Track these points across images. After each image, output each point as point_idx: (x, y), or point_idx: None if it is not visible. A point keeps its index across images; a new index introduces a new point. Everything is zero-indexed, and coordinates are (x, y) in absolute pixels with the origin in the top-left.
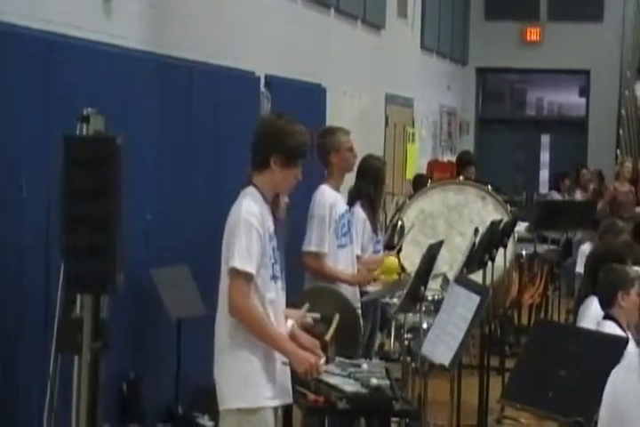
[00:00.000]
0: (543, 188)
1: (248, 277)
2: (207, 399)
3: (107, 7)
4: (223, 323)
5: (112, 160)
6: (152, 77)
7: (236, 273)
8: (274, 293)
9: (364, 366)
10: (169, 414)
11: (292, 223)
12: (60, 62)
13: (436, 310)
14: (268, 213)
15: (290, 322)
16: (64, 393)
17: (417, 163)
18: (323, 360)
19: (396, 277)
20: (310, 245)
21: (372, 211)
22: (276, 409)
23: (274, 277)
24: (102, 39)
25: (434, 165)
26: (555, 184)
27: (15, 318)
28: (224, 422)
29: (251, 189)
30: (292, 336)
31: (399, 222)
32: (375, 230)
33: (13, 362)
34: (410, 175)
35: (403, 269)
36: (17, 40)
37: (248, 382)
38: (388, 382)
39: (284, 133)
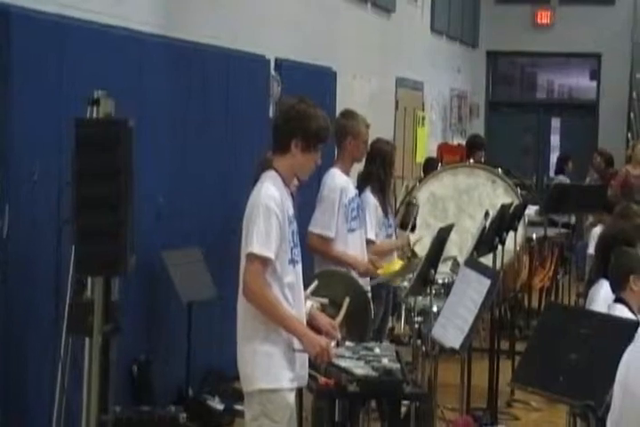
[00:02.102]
0: (553, 171)
1: (265, 262)
2: (218, 382)
3: None
4: (245, 307)
5: (123, 142)
6: (163, 61)
7: (253, 257)
8: (292, 277)
9: (377, 349)
10: (179, 397)
11: (300, 205)
12: (71, 45)
13: (447, 294)
14: (287, 196)
15: (309, 303)
16: (75, 375)
17: (427, 146)
18: (334, 343)
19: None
20: (316, 227)
21: (383, 194)
22: (295, 391)
23: (292, 262)
24: (114, 22)
25: (444, 148)
26: (559, 168)
27: (26, 301)
28: (248, 404)
29: (271, 173)
30: (311, 318)
31: (413, 200)
32: (386, 214)
33: (24, 344)
34: (420, 159)
35: (413, 253)
36: (29, 23)
37: (270, 364)
38: (398, 365)
39: (305, 117)
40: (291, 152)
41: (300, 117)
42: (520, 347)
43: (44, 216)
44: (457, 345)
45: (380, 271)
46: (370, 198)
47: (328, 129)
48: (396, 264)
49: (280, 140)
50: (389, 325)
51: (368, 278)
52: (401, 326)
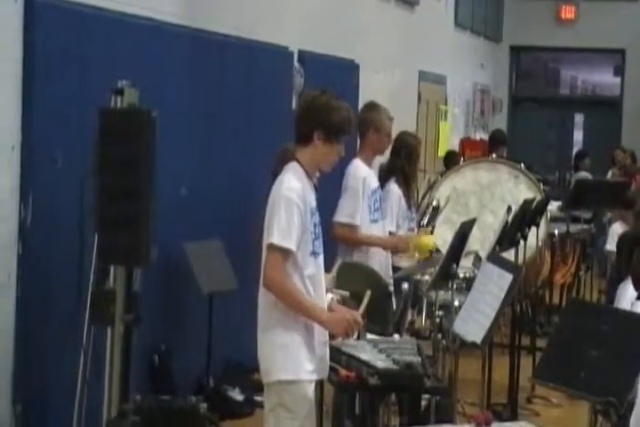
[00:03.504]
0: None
1: (286, 253)
2: (238, 373)
3: None
4: (265, 298)
5: (146, 132)
6: (186, 51)
7: (273, 248)
8: (313, 268)
9: (396, 336)
10: (200, 387)
11: (321, 197)
12: (95, 35)
13: (468, 288)
14: (309, 188)
15: (329, 296)
16: (96, 364)
17: (449, 140)
18: (355, 335)
19: (428, 254)
20: (342, 216)
21: (407, 187)
22: (314, 383)
23: (314, 253)
24: (137, 12)
25: (466, 142)
26: (575, 164)
27: (49, 290)
28: (267, 395)
29: (293, 165)
30: (330, 311)
31: (434, 202)
32: (409, 207)
33: (46, 333)
34: (442, 152)
35: (435, 247)
36: (53, 13)
37: (290, 355)
38: (419, 358)
39: (328, 109)
40: (313, 144)
41: (322, 109)
42: (541, 343)
43: (67, 205)
44: (478, 340)
45: (410, 245)
46: (394, 189)
47: (351, 121)
48: (425, 238)
49: (302, 131)
50: (409, 318)
51: (390, 272)
52: (422, 320)
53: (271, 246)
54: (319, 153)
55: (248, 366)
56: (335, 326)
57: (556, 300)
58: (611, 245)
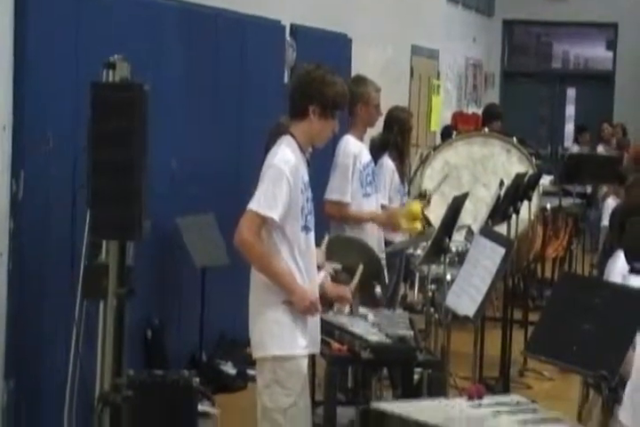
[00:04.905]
0: (568, 141)
1: (264, 220)
2: (231, 347)
3: None
4: (257, 275)
5: (138, 106)
6: (178, 25)
7: (251, 213)
8: (304, 244)
9: (390, 317)
10: (192, 361)
11: (313, 172)
12: (86, 9)
13: (460, 262)
14: (303, 162)
15: (322, 274)
16: (89, 339)
17: (441, 115)
18: (347, 309)
19: (418, 224)
20: (332, 194)
21: (400, 161)
22: (307, 358)
23: (305, 228)
24: None
25: (458, 117)
26: (575, 137)
27: (41, 264)
28: (260, 370)
29: (287, 138)
30: (321, 288)
31: (426, 192)
32: (402, 182)
33: (39, 308)
34: (434, 127)
35: (428, 221)
36: None
37: (282, 330)
38: (411, 332)
39: (323, 83)
40: (308, 118)
41: (317, 83)
42: (533, 317)
43: (60, 180)
44: (471, 314)
45: (402, 221)
46: (388, 164)
47: (346, 95)
48: (413, 206)
49: (297, 105)
50: (402, 292)
51: (383, 246)
52: (414, 294)
53: (249, 211)
54: (314, 128)
55: (241, 341)
56: (298, 300)
57: (548, 274)
58: (606, 221)
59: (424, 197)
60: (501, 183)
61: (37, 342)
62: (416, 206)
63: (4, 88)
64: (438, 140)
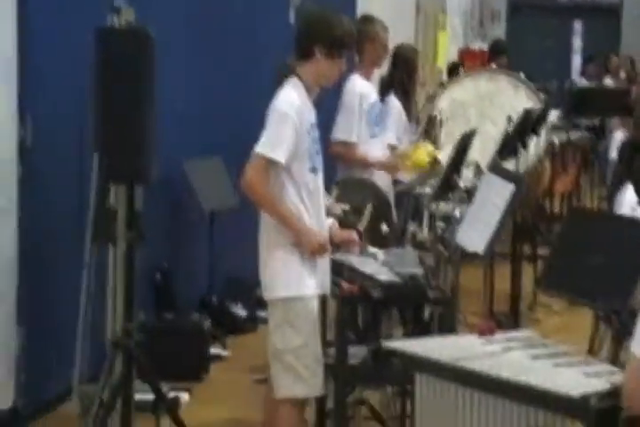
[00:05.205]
0: (575, 74)
1: (272, 163)
2: (240, 289)
3: None
4: (267, 216)
5: (144, 51)
6: None
7: (258, 156)
8: (313, 184)
9: (400, 255)
10: (202, 304)
11: (321, 112)
12: None
13: (469, 199)
14: (309, 103)
15: (330, 220)
16: (99, 284)
17: (448, 51)
18: (357, 250)
19: (422, 156)
20: (339, 134)
21: (407, 100)
22: (317, 298)
23: (313, 169)
24: None
25: (465, 53)
26: (582, 70)
27: (50, 209)
28: (271, 311)
29: (293, 80)
30: (329, 232)
31: (436, 115)
32: (410, 120)
33: (49, 253)
34: (441, 63)
35: (436, 159)
36: None
37: (291, 271)
38: (422, 270)
39: (329, 23)
40: (315, 58)
41: (323, 23)
42: (542, 251)
43: (67, 125)
44: (480, 250)
45: (407, 163)
46: (394, 103)
47: (353, 34)
48: (420, 154)
49: (303, 46)
50: (411, 230)
51: (391, 185)
52: (423, 232)
53: (256, 154)
54: (321, 68)
55: (250, 283)
56: (306, 242)
57: (557, 208)
58: (614, 153)
59: (433, 120)
60: (509, 119)
61: (49, 287)
62: (422, 154)
63: (8, 33)
64: (445, 76)
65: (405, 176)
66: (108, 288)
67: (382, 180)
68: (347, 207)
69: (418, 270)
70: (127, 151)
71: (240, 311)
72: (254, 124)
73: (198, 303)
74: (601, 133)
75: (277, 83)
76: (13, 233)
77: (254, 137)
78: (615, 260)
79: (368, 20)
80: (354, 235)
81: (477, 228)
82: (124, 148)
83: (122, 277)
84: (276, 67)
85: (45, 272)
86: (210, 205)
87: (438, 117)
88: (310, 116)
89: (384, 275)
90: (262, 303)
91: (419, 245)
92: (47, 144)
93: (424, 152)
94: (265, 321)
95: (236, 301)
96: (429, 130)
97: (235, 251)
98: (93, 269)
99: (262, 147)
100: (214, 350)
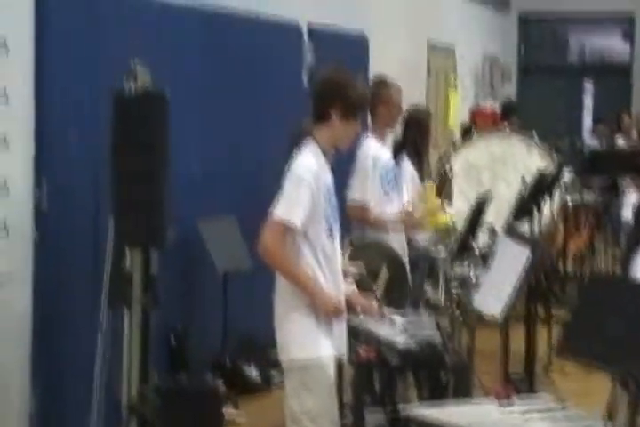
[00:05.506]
0: (586, 133)
1: (288, 227)
2: (253, 350)
3: None
4: (282, 278)
5: (160, 115)
6: (195, 27)
7: (274, 219)
8: (330, 249)
9: (417, 320)
10: (216, 365)
11: (335, 174)
12: (105, 16)
13: (484, 261)
14: (326, 167)
15: (350, 285)
16: (114, 347)
17: (459, 111)
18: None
19: (442, 217)
20: (354, 196)
21: (420, 162)
22: (333, 361)
23: (330, 233)
24: None
25: (476, 112)
26: (592, 130)
27: (66, 272)
28: (287, 374)
29: (310, 143)
30: (347, 298)
31: (446, 171)
32: (422, 181)
33: (64, 317)
34: (452, 123)
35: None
36: None
37: (307, 334)
38: (439, 335)
39: (345, 86)
40: (330, 121)
41: (339, 86)
42: (556, 312)
43: (83, 188)
44: (497, 313)
45: (424, 221)
46: (407, 165)
47: (367, 97)
48: (441, 218)
49: (319, 109)
50: (425, 292)
51: (406, 248)
52: (439, 294)
53: (273, 217)
54: (337, 131)
55: (263, 343)
56: (322, 304)
57: (570, 269)
58: (627, 214)
59: (446, 175)
60: (523, 181)
61: (63, 350)
62: (432, 200)
63: (26, 93)
64: (456, 136)
65: (421, 237)
66: (124, 352)
67: (397, 242)
68: (362, 270)
69: (435, 336)
70: (143, 215)
71: (253, 372)
72: (268, 183)
73: (212, 364)
74: (613, 194)
75: (291, 145)
76: (28, 297)
77: (268, 196)
78: (633, 325)
79: (382, 82)
80: (373, 301)
81: (494, 292)
82: (140, 211)
83: (137, 340)
84: (290, 128)
85: (60, 336)
86: (224, 266)
87: (449, 174)
88: (327, 179)
89: (401, 341)
90: (275, 364)
91: (432, 307)
92: (62, 207)
93: (443, 215)
94: (279, 383)
95: (249, 362)
96: (441, 187)
97: (248, 311)
98: (109, 332)
99: (279, 210)
100: (227, 412)
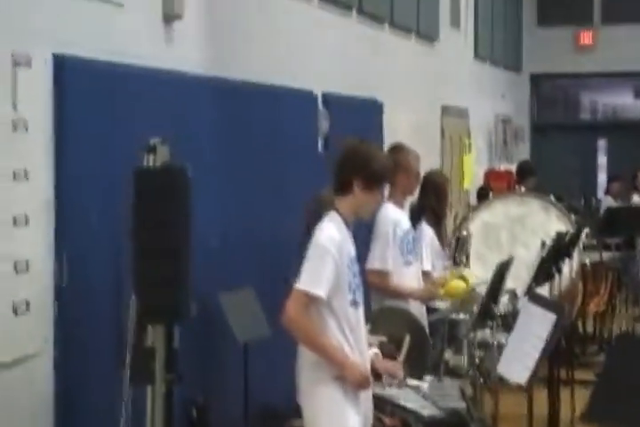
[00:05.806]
0: (601, 192)
1: (312, 298)
2: (275, 420)
3: (167, 33)
4: (306, 351)
5: (182, 192)
6: (212, 101)
7: (298, 291)
8: (354, 318)
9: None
10: None
11: (355, 239)
12: (122, 92)
13: (505, 325)
14: (348, 237)
15: (372, 350)
16: (137, 423)
17: (474, 173)
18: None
19: (461, 285)
20: (374, 264)
21: (438, 226)
22: None
23: (354, 303)
24: (161, 66)
25: (491, 175)
26: (606, 188)
27: (87, 348)
28: None
29: (332, 214)
30: (372, 366)
31: (463, 232)
32: (442, 246)
33: (86, 394)
34: (467, 186)
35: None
36: (82, 72)
37: (335, 407)
38: (463, 403)
39: (367, 157)
40: (353, 192)
41: (361, 157)
42: (578, 375)
43: (103, 264)
44: (523, 381)
45: (442, 292)
46: (426, 230)
47: (389, 169)
48: (454, 283)
49: (342, 180)
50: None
51: (425, 313)
52: (461, 360)
53: (297, 290)
54: (359, 201)
55: (284, 413)
56: (349, 375)
57: (589, 329)
58: None
59: (463, 240)
60: (543, 244)
61: (85, 426)
62: (457, 283)
63: (46, 169)
64: (471, 198)
65: (440, 303)
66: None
67: (416, 308)
68: (384, 339)
69: (460, 404)
70: (165, 292)
71: None
72: (286, 253)
73: None
74: (631, 251)
75: (311, 218)
76: (50, 372)
77: (286, 266)
78: None
79: (400, 149)
80: (398, 366)
81: (519, 358)
82: (163, 287)
83: (160, 416)
84: (309, 201)
85: (83, 413)
86: (243, 336)
87: (465, 235)
88: (350, 249)
89: (426, 410)
90: None
91: (452, 372)
92: (83, 284)
93: (458, 281)
94: None
95: None
96: (459, 250)
97: (269, 381)
98: (131, 408)
99: (303, 282)
100: None
